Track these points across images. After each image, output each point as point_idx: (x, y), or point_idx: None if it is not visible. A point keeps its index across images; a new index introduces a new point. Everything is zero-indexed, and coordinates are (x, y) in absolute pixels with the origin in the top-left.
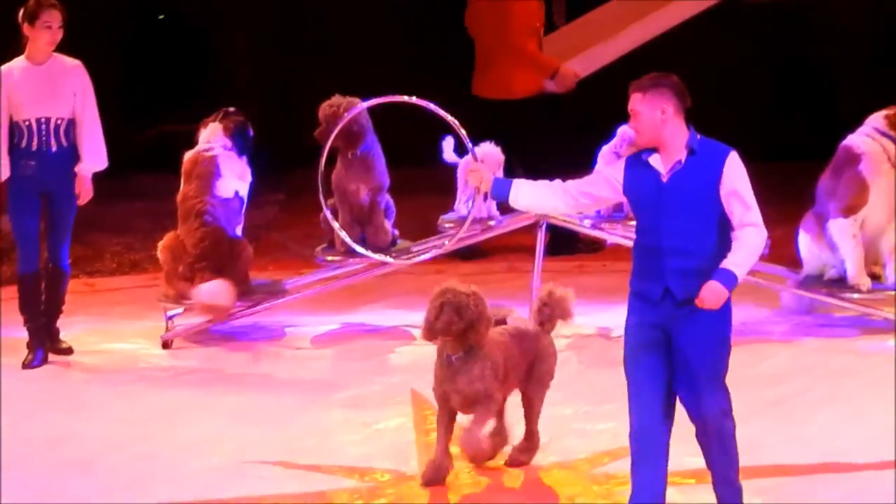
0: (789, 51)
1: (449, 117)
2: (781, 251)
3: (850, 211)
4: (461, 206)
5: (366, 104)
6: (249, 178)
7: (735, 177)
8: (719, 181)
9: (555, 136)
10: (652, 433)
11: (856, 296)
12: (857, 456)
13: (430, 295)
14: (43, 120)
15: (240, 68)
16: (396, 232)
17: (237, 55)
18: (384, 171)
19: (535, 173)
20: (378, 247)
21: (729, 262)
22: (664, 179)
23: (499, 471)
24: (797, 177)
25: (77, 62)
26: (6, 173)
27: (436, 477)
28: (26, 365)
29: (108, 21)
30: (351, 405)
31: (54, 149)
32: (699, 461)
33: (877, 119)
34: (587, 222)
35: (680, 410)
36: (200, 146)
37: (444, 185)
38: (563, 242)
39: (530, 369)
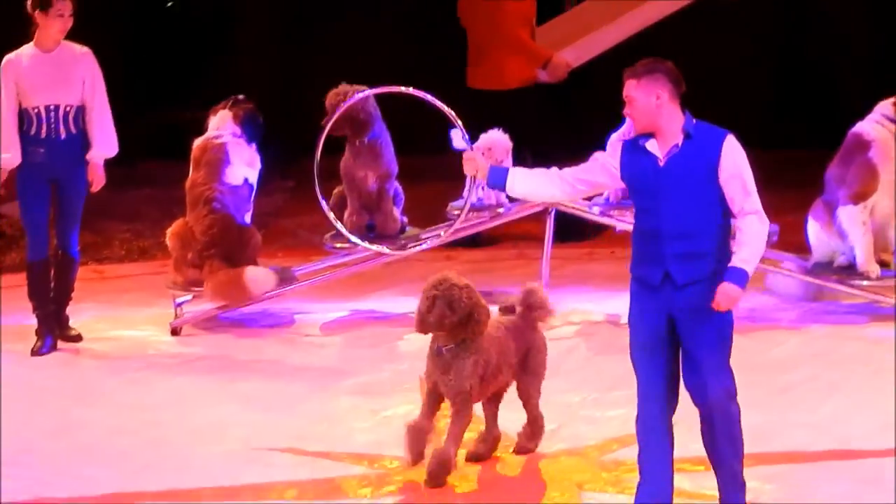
0: (793, 36)
1: (445, 108)
2: (790, 238)
3: (859, 198)
4: (471, 192)
5: (360, 95)
6: (259, 166)
7: (734, 160)
8: (717, 165)
9: (554, 124)
10: (658, 422)
11: (865, 283)
12: (866, 443)
13: (424, 286)
14: (52, 107)
15: (249, 55)
16: (405, 219)
17: (246, 42)
18: (393, 159)
19: (544, 162)
20: (387, 234)
21: (738, 260)
22: (661, 164)
23: (506, 459)
24: (805, 164)
25: (86, 49)
26: (17, 160)
27: (415, 449)
28: (35, 352)
29: (117, 8)
30: (360, 392)
31: (63, 136)
32: None
33: (886, 106)
34: (596, 209)
35: (686, 398)
36: (210, 133)
37: (453, 172)
38: (572, 229)
39: (523, 362)
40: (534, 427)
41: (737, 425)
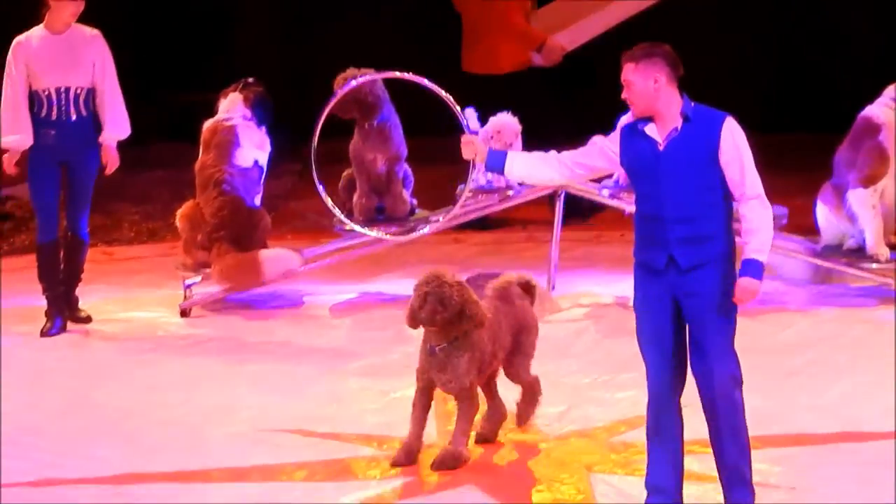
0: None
1: (443, 93)
2: (798, 221)
3: (869, 181)
4: (480, 175)
5: (354, 83)
6: (268, 148)
7: (733, 143)
8: (717, 147)
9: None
10: (667, 405)
11: (874, 266)
12: (875, 425)
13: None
14: (63, 89)
15: (259, 38)
16: (415, 201)
17: (256, 25)
18: (402, 141)
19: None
20: (396, 216)
21: (751, 251)
22: (661, 148)
23: (515, 440)
24: (811, 148)
25: (96, 32)
26: (29, 142)
27: (406, 459)
28: (45, 333)
29: None
30: (369, 374)
31: (74, 118)
32: None
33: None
34: (605, 192)
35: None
36: (220, 115)
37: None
38: (569, 210)
39: (514, 341)
40: (529, 395)
41: (740, 415)
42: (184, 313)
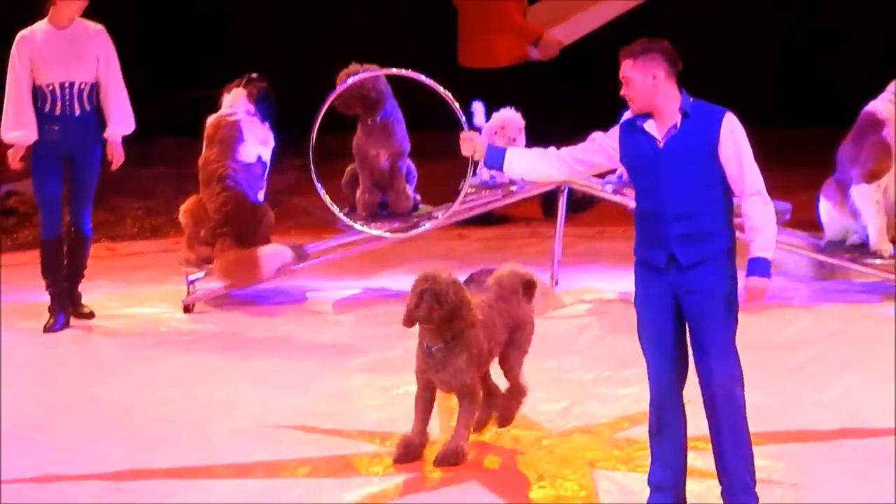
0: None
1: (440, 88)
2: (801, 216)
3: (872, 177)
4: (483, 171)
5: (350, 81)
6: (272, 144)
7: (733, 139)
8: (717, 143)
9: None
10: (669, 402)
11: (878, 262)
12: (878, 421)
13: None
14: (67, 84)
15: (260, 36)
16: (418, 197)
17: (257, 23)
18: (405, 136)
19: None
20: (399, 212)
21: (756, 249)
22: (660, 145)
23: (517, 436)
24: (812, 143)
25: (100, 27)
26: (34, 137)
27: (407, 456)
28: (48, 329)
29: None
30: (372, 370)
31: (78, 113)
32: None
33: None
34: (609, 187)
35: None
36: (223, 111)
37: None
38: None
39: (510, 336)
40: (513, 396)
41: (741, 413)
42: (187, 309)
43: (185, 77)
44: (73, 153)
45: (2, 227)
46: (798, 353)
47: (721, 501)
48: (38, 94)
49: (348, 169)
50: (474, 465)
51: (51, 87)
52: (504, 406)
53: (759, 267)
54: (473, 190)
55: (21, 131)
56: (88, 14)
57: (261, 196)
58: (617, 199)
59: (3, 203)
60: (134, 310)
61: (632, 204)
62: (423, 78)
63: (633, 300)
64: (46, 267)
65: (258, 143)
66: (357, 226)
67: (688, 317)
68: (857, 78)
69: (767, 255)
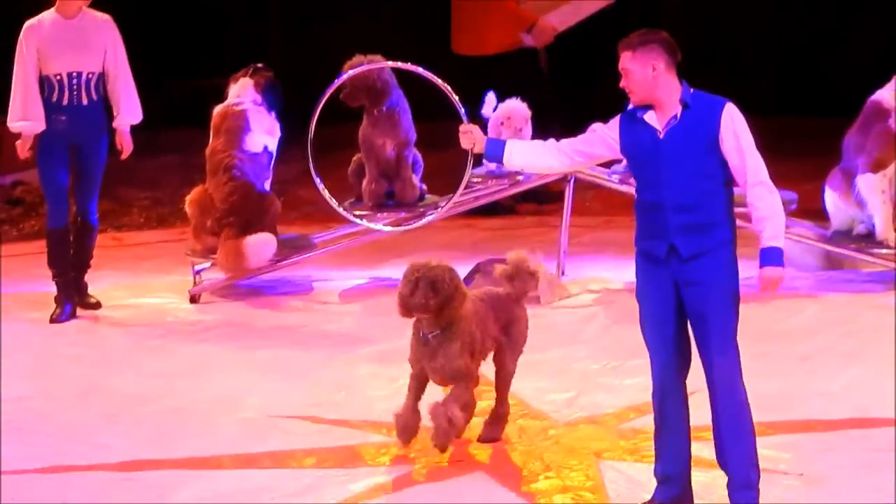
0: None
1: (439, 81)
2: (806, 206)
3: (878, 166)
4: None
5: (345, 76)
6: (279, 134)
7: (735, 129)
8: (718, 134)
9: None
10: (672, 393)
11: (884, 251)
12: (885, 411)
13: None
14: (74, 74)
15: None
16: (424, 186)
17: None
18: (411, 126)
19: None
20: (406, 202)
21: (767, 239)
22: (661, 136)
23: (525, 426)
24: (816, 132)
25: (107, 17)
26: (41, 126)
27: (406, 431)
28: (54, 319)
29: None
30: (378, 360)
31: (85, 102)
32: None
33: None
34: (615, 177)
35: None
36: (230, 100)
37: None
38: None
39: (503, 333)
40: (499, 413)
41: (743, 407)
42: (193, 299)
43: (190, 67)
44: (80, 143)
45: (8, 217)
46: (805, 343)
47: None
48: (45, 83)
49: (354, 158)
50: (481, 456)
51: (58, 77)
52: (490, 424)
53: (772, 256)
54: (480, 179)
55: (28, 121)
56: (95, 4)
57: (267, 186)
58: (623, 188)
59: (10, 193)
60: (140, 300)
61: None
62: (420, 70)
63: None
64: (53, 257)
65: (265, 133)
66: (354, 218)
67: (689, 310)
68: (861, 68)
69: (778, 243)
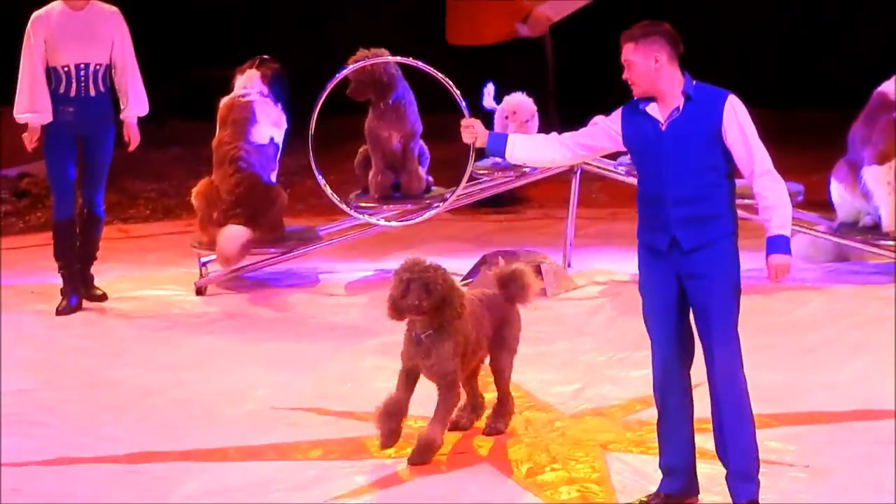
0: None
1: (439, 75)
2: (811, 197)
3: (884, 158)
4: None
5: (341, 74)
6: (285, 125)
7: (737, 121)
8: (720, 126)
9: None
10: (675, 385)
11: (890, 242)
12: (890, 402)
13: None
14: (82, 66)
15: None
16: (431, 178)
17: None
18: (417, 118)
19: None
20: (412, 193)
21: (774, 228)
22: (663, 128)
23: (531, 418)
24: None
25: (114, 9)
26: (48, 118)
27: (389, 429)
28: (60, 311)
29: None
30: (384, 352)
31: (93, 94)
32: None
33: None
34: (622, 169)
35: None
36: (237, 92)
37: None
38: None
39: (497, 334)
40: (504, 407)
41: (744, 400)
42: (199, 291)
43: (197, 58)
44: (87, 135)
45: (15, 209)
46: (810, 335)
47: None
48: (52, 75)
49: (361, 150)
50: (486, 447)
51: (66, 69)
52: (495, 418)
53: (779, 244)
54: (485, 171)
55: (35, 113)
56: None
57: (273, 177)
58: (629, 180)
59: (16, 185)
60: (146, 292)
61: None
62: (421, 64)
63: None
64: (59, 249)
65: (271, 125)
66: (354, 213)
67: (692, 302)
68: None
69: (785, 231)
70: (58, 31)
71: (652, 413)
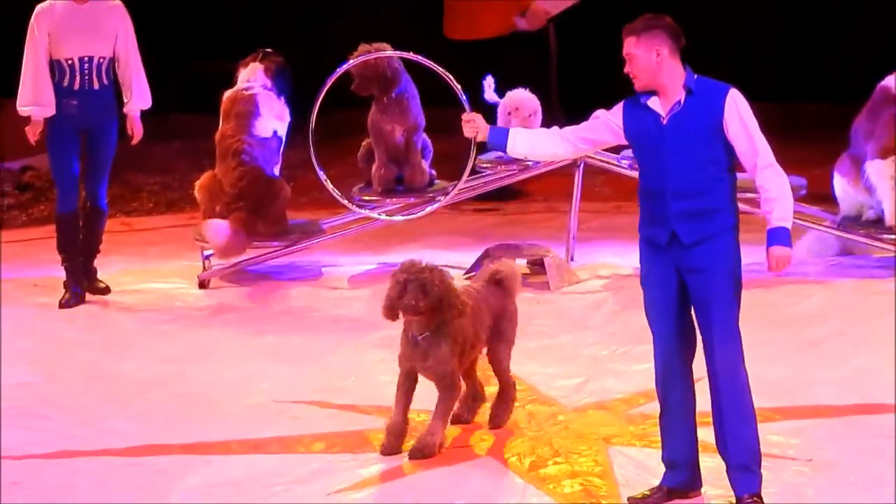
0: None
1: (440, 69)
2: (814, 191)
3: (887, 152)
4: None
5: (339, 71)
6: (288, 119)
7: (738, 115)
8: (721, 119)
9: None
10: (676, 379)
11: (893, 237)
12: (893, 397)
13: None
14: (85, 59)
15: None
16: (434, 172)
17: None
18: (420, 112)
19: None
20: (415, 187)
21: (775, 219)
22: (664, 122)
23: (533, 412)
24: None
25: (118, 2)
26: (52, 111)
27: (395, 442)
28: (63, 304)
29: None
30: (387, 345)
31: (96, 87)
32: None
33: None
34: (625, 162)
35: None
36: (240, 85)
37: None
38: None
39: (495, 327)
40: (505, 397)
41: (745, 394)
42: (202, 284)
43: (200, 51)
44: (91, 128)
45: (18, 202)
46: (814, 329)
47: None
48: (55, 68)
49: (364, 143)
50: (489, 441)
51: (69, 62)
52: (498, 408)
53: (780, 236)
54: (489, 164)
55: (39, 105)
56: None
57: (277, 171)
58: (633, 173)
59: (19, 178)
60: (149, 285)
61: None
62: (422, 59)
63: None
64: (62, 242)
65: (274, 118)
66: (355, 207)
67: (692, 296)
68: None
69: (787, 224)
70: (61, 24)
71: (655, 407)
